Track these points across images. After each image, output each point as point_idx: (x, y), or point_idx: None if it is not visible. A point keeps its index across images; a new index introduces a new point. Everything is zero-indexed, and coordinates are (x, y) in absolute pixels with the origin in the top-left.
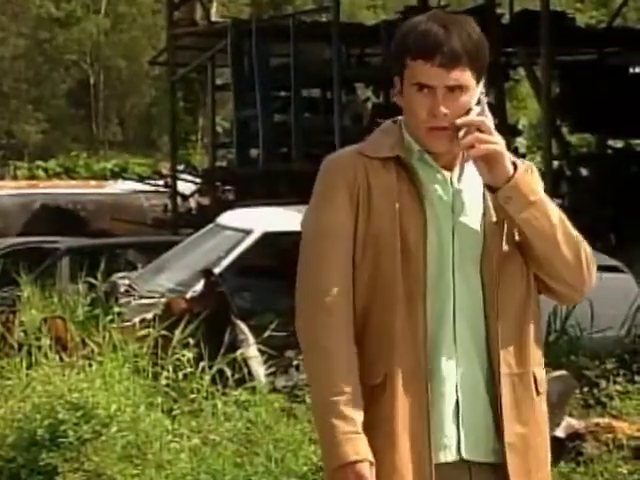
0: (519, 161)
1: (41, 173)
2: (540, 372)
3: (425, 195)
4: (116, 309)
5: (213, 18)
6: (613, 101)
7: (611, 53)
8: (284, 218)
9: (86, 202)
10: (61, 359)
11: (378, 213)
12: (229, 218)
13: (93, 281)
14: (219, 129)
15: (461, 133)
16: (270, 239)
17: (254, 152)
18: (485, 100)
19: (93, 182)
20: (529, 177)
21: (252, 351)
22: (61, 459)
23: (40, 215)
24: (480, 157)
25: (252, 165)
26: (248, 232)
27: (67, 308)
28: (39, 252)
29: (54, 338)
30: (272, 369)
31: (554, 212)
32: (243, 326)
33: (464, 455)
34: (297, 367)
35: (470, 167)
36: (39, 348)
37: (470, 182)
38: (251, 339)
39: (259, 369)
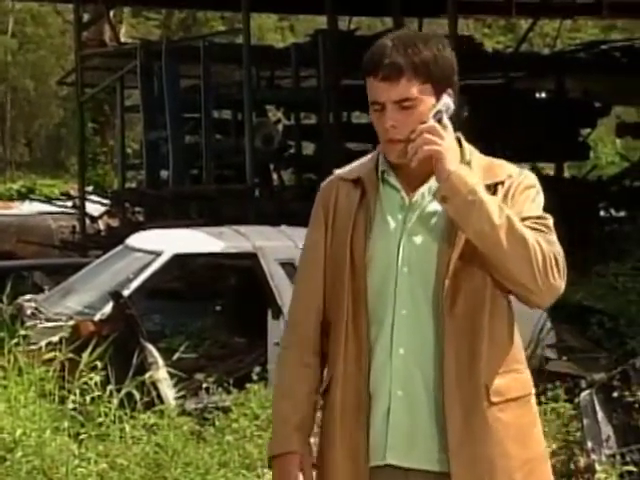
0: (518, 170)
1: None
2: (496, 381)
3: (377, 213)
4: (22, 332)
5: (122, 39)
6: (520, 125)
7: (518, 78)
8: (194, 240)
9: None
10: None
11: (338, 231)
12: (139, 240)
13: None
14: (129, 150)
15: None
16: (180, 261)
17: (164, 173)
18: (446, 114)
19: None
20: (470, 178)
21: (161, 374)
22: None
23: None
24: (428, 159)
25: (162, 186)
26: (158, 254)
27: None
28: None
29: None
30: (182, 392)
31: (497, 213)
32: (152, 349)
33: (388, 459)
34: (207, 389)
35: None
36: None
37: (435, 201)
38: (160, 362)
39: (168, 392)
